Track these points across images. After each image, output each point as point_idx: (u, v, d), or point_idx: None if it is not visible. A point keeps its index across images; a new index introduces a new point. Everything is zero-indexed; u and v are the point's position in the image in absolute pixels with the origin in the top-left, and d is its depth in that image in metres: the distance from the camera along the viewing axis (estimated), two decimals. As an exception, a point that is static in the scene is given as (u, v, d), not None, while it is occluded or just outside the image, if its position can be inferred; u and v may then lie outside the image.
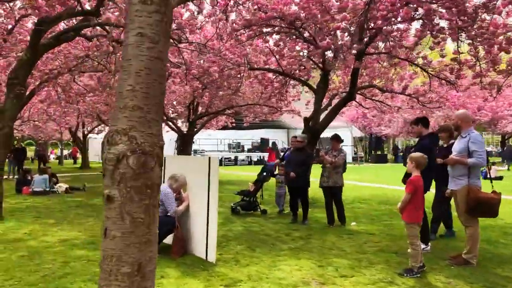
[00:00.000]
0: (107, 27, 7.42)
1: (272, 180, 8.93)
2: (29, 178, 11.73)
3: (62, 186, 11.73)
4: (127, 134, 1.67)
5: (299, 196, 7.49)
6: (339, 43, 7.89)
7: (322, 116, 10.11)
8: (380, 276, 4.29)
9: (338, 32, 7.87)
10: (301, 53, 9.92)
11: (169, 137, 20.53)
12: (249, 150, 31.70)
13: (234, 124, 19.58)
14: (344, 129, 27.30)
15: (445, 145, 6.06)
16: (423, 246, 4.81)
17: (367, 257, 5.00)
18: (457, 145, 4.81)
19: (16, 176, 15.85)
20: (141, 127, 1.70)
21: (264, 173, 8.69)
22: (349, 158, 26.53)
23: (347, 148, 27.06)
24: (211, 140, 29.38)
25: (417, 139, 5.83)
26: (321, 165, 7.24)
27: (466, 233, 4.69)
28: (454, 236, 6.13)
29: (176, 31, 7.81)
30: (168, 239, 5.24)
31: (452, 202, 5.93)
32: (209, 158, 4.92)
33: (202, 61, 10.15)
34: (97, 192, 11.89)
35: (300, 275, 4.31)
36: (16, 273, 4.33)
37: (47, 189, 11.16)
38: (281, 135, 33.98)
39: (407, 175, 4.71)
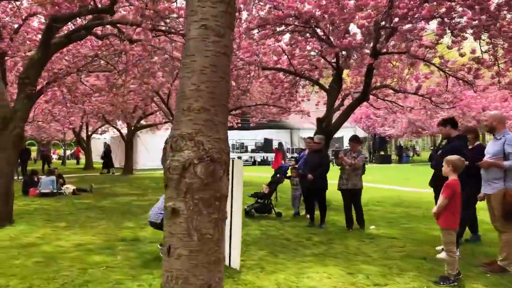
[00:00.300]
0: (119, 26, 7.24)
1: (287, 182, 8.75)
2: (36, 179, 11.52)
3: (69, 188, 11.54)
4: (193, 139, 1.46)
5: (316, 198, 7.31)
6: (353, 43, 7.71)
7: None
8: (414, 284, 4.10)
9: (352, 31, 7.71)
10: (312, 53, 9.72)
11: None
12: (252, 151, 31.38)
13: (239, 125, 19.36)
14: (348, 129, 27.02)
15: (470, 147, 5.86)
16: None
17: (396, 264, 4.81)
18: (491, 147, 4.62)
19: (20, 177, 15.64)
20: (208, 131, 1.49)
21: (278, 175, 8.51)
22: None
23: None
24: (214, 140, 29.12)
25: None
26: (339, 167, 7.05)
27: (502, 239, 4.50)
28: (479, 241, 5.94)
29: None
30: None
31: (477, 205, 5.76)
32: (233, 160, 4.73)
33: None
34: (104, 194, 11.70)
35: (331, 283, 4.12)
36: (34, 281, 4.13)
37: (55, 191, 10.96)
38: (285, 135, 33.68)
39: (440, 178, 4.52)
